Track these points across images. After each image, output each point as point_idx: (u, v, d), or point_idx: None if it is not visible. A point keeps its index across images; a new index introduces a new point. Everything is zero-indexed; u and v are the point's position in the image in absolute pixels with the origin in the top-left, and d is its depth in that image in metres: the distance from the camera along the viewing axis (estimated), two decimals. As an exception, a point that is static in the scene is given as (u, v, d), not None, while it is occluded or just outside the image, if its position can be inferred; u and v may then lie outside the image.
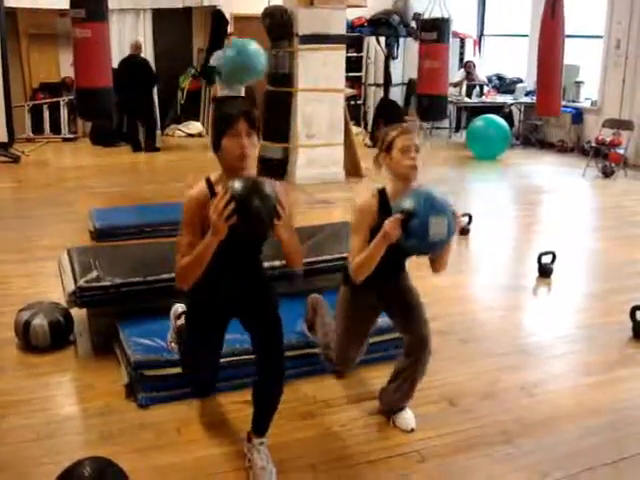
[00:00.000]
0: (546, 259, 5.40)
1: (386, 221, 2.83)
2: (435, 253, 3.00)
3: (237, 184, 2.51)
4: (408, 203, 2.82)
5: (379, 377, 3.59)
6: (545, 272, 5.37)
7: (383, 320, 3.81)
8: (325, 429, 3.25)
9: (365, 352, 3.52)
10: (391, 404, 3.31)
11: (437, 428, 3.27)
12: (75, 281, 3.81)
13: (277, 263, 3.97)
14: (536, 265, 5.42)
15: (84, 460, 2.52)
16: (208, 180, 2.74)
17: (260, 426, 2.92)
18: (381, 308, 3.36)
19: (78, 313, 4.07)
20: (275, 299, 3.00)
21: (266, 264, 3.92)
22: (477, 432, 3.26)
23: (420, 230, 2.78)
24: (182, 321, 3.44)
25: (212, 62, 9.12)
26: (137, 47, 10.80)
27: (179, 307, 3.54)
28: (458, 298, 4.96)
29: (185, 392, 3.42)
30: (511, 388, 3.67)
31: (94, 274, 3.81)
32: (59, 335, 3.97)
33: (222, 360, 3.47)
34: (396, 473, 2.95)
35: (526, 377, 3.80)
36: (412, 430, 3.23)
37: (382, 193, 3.05)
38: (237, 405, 3.37)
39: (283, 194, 2.68)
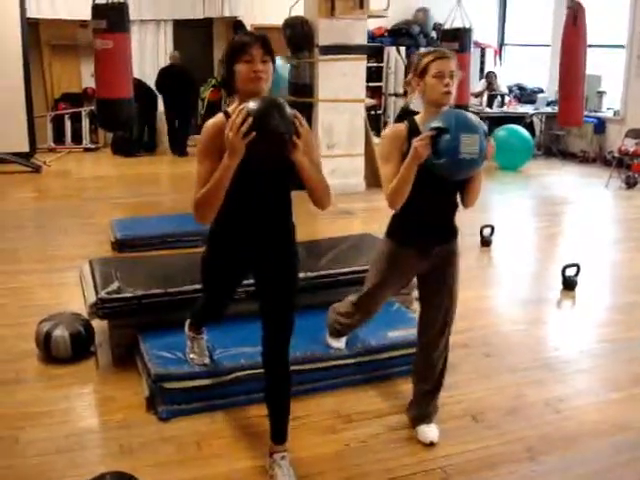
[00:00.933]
0: (570, 271, 5.33)
1: (415, 139, 2.75)
2: (466, 174, 2.86)
3: (253, 101, 2.44)
4: (438, 121, 2.74)
5: (406, 391, 3.55)
6: (569, 285, 5.30)
7: (408, 333, 3.80)
8: (346, 445, 3.21)
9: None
10: (418, 413, 3.28)
11: (461, 444, 3.22)
12: (96, 292, 3.81)
13: (302, 275, 3.94)
14: (560, 277, 5.36)
15: (106, 474, 2.51)
16: (225, 112, 2.64)
17: (277, 432, 2.89)
18: (418, 272, 3.17)
19: (99, 324, 4.07)
20: (297, 269, 2.90)
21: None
22: (501, 449, 3.20)
23: (451, 147, 2.69)
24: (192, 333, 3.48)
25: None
26: (175, 57, 11.26)
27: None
28: (481, 311, 4.90)
29: (206, 405, 3.40)
30: (535, 403, 3.61)
31: (115, 285, 3.81)
32: (80, 346, 3.96)
33: (244, 374, 3.46)
34: (419, 491, 2.91)
35: (551, 392, 3.74)
36: (432, 444, 3.19)
37: (411, 120, 2.94)
38: (259, 419, 3.32)
39: (301, 118, 2.58)
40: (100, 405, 3.58)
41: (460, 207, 3.08)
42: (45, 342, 3.92)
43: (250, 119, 2.39)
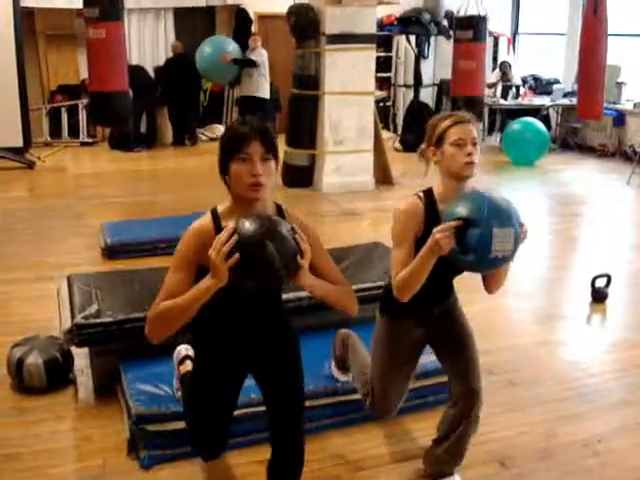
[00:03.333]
0: (600, 282, 4.88)
1: (435, 229, 2.29)
2: (495, 270, 2.44)
3: (247, 223, 1.97)
4: (464, 208, 2.27)
5: (419, 430, 3.15)
6: (600, 297, 4.84)
7: (423, 362, 3.36)
8: (357, 499, 2.78)
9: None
10: (438, 468, 2.83)
11: (489, 499, 2.79)
12: (73, 316, 3.37)
13: (303, 294, 3.52)
14: (587, 289, 4.90)
15: None
16: (214, 212, 2.20)
17: None
18: (425, 342, 2.79)
19: (76, 351, 3.64)
20: (298, 349, 2.46)
21: (291, 295, 3.49)
22: (536, 504, 2.77)
23: (480, 244, 2.22)
24: (186, 367, 3.00)
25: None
26: (177, 47, 10.99)
27: (182, 349, 3.10)
28: (501, 328, 4.45)
29: (190, 451, 2.96)
30: (571, 445, 3.17)
31: (94, 308, 3.38)
32: (56, 375, 3.53)
33: (237, 412, 3.02)
34: None
35: (587, 430, 3.29)
36: (459, 500, 2.76)
37: (429, 195, 2.51)
38: (255, 466, 2.89)
39: (307, 233, 2.12)
40: (77, 447, 3.14)
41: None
42: (17, 370, 3.49)
43: (238, 252, 1.94)
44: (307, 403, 3.05)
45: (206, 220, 2.18)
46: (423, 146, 2.59)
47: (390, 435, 3.20)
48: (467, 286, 2.83)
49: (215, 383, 2.45)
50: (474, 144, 2.44)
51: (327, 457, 3.02)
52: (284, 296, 2.53)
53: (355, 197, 7.66)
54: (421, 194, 2.53)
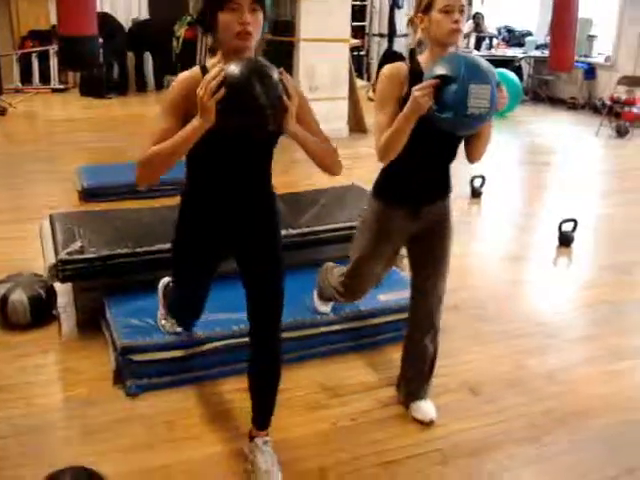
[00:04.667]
0: (567, 227, 5.04)
1: (415, 87, 2.36)
2: (473, 130, 2.49)
3: (235, 64, 2.01)
4: (443, 67, 2.34)
5: (395, 360, 3.26)
6: (566, 241, 5.01)
7: (399, 296, 3.50)
8: (334, 423, 2.91)
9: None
10: (410, 392, 2.98)
11: (459, 421, 2.94)
12: (56, 252, 3.44)
13: (292, 232, 3.71)
14: (554, 233, 5.07)
15: (67, 469, 2.18)
16: (203, 67, 2.22)
17: (260, 416, 2.58)
18: (408, 237, 2.83)
19: (62, 286, 3.72)
20: (280, 239, 2.52)
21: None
22: (503, 426, 2.93)
23: (457, 100, 2.29)
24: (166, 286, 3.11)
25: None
26: None
27: (167, 280, 3.19)
28: (471, 268, 4.61)
29: (179, 379, 3.09)
30: (536, 375, 3.34)
31: (77, 245, 3.43)
32: (40, 311, 3.61)
33: (220, 344, 3.15)
34: (415, 478, 2.61)
35: (552, 362, 3.47)
36: (431, 422, 2.91)
37: (414, 60, 2.55)
38: (237, 394, 3.02)
39: (291, 82, 2.17)
40: (62, 378, 3.23)
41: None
42: (1, 307, 3.56)
43: (225, 87, 1.98)
44: (290, 334, 3.22)
45: (194, 70, 2.22)
46: (412, 14, 2.61)
47: (367, 365, 3.34)
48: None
49: (195, 252, 2.52)
50: (461, 12, 2.47)
51: (306, 385, 3.15)
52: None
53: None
54: (407, 60, 2.57)
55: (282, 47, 7.91)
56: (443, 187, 2.77)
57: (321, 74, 7.91)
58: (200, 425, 2.87)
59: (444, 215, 2.80)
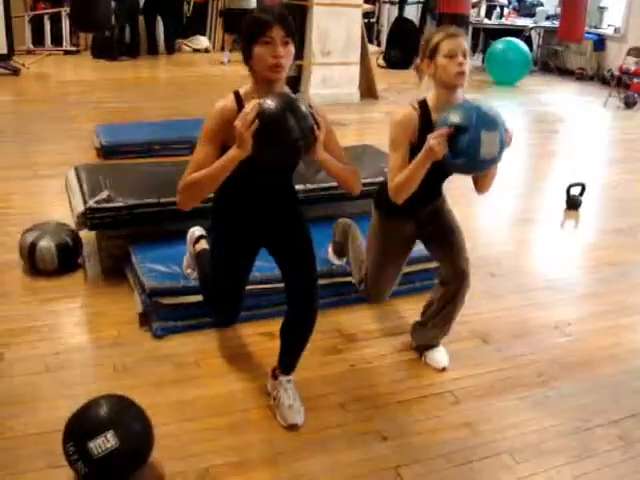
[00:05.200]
0: (574, 191, 5.15)
1: (430, 135, 2.52)
2: (483, 172, 2.69)
3: (270, 100, 2.21)
4: (456, 116, 2.50)
5: (407, 310, 3.44)
6: (573, 204, 5.13)
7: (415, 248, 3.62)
8: (352, 365, 3.06)
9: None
10: (425, 341, 3.12)
11: (470, 367, 3.09)
12: (84, 201, 3.56)
13: (310, 186, 3.82)
14: (562, 197, 5.18)
15: (100, 398, 2.31)
16: (237, 93, 2.42)
17: (288, 363, 2.73)
18: (417, 236, 3.05)
19: (86, 235, 3.85)
20: (307, 225, 2.71)
21: (299, 186, 3.70)
22: (512, 373, 3.07)
23: (470, 147, 2.46)
24: (202, 245, 3.22)
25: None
26: None
27: (196, 230, 3.32)
28: (483, 230, 4.74)
29: (203, 322, 3.23)
30: (544, 326, 3.48)
31: (105, 194, 3.56)
32: (67, 258, 3.74)
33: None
34: (429, 414, 2.76)
35: (559, 315, 3.61)
36: (444, 369, 3.05)
37: (423, 105, 2.72)
38: (259, 337, 3.18)
39: (320, 114, 2.37)
40: (90, 321, 3.38)
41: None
42: (29, 253, 3.69)
43: (260, 122, 2.17)
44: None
45: (229, 100, 2.40)
46: (418, 60, 2.77)
47: (381, 314, 3.48)
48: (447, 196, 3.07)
49: (232, 254, 2.70)
50: (464, 55, 2.63)
51: (323, 331, 3.27)
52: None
53: (341, 109, 7.80)
54: (415, 104, 2.73)
55: (296, 11, 7.94)
56: (437, 194, 2.99)
57: (334, 39, 7.97)
58: (224, 365, 3.02)
59: (441, 203, 3.00)
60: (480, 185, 2.84)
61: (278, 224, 2.66)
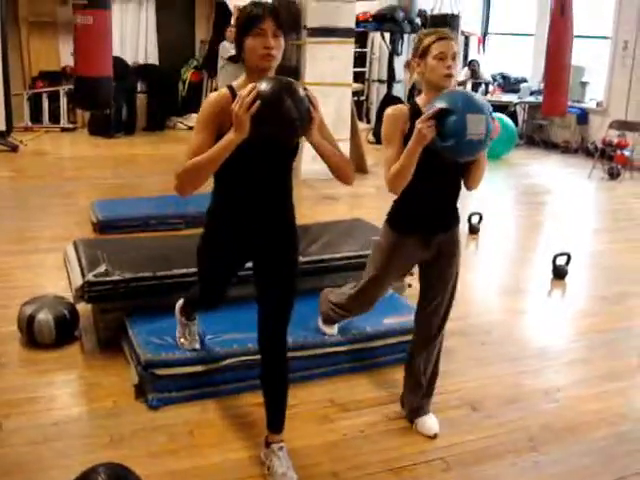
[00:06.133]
0: (561, 260, 5.28)
1: (418, 120, 2.62)
2: (473, 156, 2.74)
3: (265, 82, 2.30)
4: (442, 101, 2.61)
5: (397, 380, 3.48)
6: (560, 274, 5.24)
7: (402, 320, 3.72)
8: (344, 434, 3.11)
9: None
10: (412, 405, 3.18)
11: (461, 434, 3.14)
12: (83, 275, 3.66)
13: (306, 259, 3.94)
14: (549, 266, 5.30)
15: (98, 466, 2.37)
16: (230, 86, 2.51)
17: (274, 419, 2.78)
18: (417, 262, 3.08)
19: (83, 308, 3.93)
20: (297, 250, 2.78)
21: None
22: (502, 439, 3.13)
23: (457, 128, 2.56)
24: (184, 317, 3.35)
25: (221, 53, 8.92)
26: None
27: (183, 301, 3.40)
28: (474, 299, 4.83)
29: (198, 393, 3.29)
30: (534, 393, 3.55)
31: (103, 268, 3.66)
32: (64, 330, 3.81)
33: (235, 360, 3.35)
34: (421, 482, 2.82)
35: (548, 382, 3.68)
36: (435, 436, 3.10)
37: (413, 102, 2.84)
38: (253, 407, 3.22)
39: (315, 98, 2.47)
40: (87, 392, 3.43)
41: (463, 191, 2.98)
42: (28, 326, 3.76)
43: (259, 101, 2.26)
44: (299, 353, 3.43)
45: (223, 90, 2.50)
46: (409, 58, 2.90)
47: (372, 383, 3.55)
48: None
49: (218, 258, 2.79)
50: (454, 58, 2.74)
51: (316, 400, 3.35)
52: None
53: (332, 184, 7.87)
54: (406, 103, 2.86)
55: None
56: (451, 217, 3.02)
57: (325, 117, 8.20)
58: (219, 434, 3.07)
59: (453, 244, 3.04)
60: (469, 179, 2.90)
61: (270, 235, 2.68)
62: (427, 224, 2.94)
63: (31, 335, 3.77)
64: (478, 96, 2.72)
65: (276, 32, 2.44)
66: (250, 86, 2.31)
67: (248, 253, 2.76)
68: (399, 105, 2.88)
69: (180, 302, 3.40)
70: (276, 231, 2.70)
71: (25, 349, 3.78)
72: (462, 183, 2.95)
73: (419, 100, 2.84)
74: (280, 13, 2.48)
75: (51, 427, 3.06)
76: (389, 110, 2.85)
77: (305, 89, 2.43)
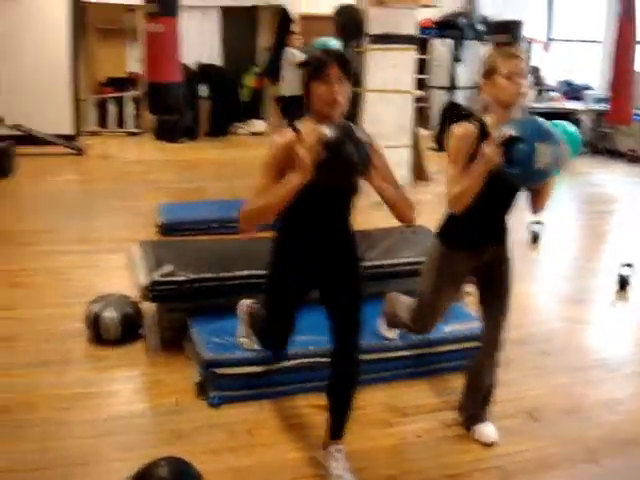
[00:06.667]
0: (625, 271, 5.18)
1: (485, 143, 2.64)
2: (540, 184, 2.76)
3: (329, 128, 2.39)
4: (511, 128, 2.62)
5: (456, 387, 3.46)
6: (623, 284, 5.14)
7: (463, 328, 3.72)
8: (402, 439, 3.13)
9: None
10: (470, 412, 3.18)
11: (519, 443, 3.12)
12: (149, 275, 3.75)
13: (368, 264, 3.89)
14: (612, 276, 5.20)
15: (160, 460, 2.44)
16: (294, 127, 2.57)
17: (334, 427, 2.82)
18: (471, 274, 3.08)
19: (147, 307, 4.03)
20: (361, 275, 2.83)
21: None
22: (560, 449, 3.10)
23: (526, 157, 2.57)
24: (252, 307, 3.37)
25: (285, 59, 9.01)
26: None
27: (245, 302, 3.46)
28: (535, 307, 4.79)
29: (257, 393, 3.35)
30: (594, 404, 3.50)
31: (169, 268, 3.75)
32: (129, 329, 3.93)
33: (295, 362, 3.39)
34: (478, 489, 2.81)
35: (609, 394, 3.62)
36: (493, 444, 3.09)
37: (482, 123, 2.82)
38: (311, 409, 3.27)
39: (376, 143, 2.57)
40: (149, 388, 3.54)
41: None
42: (94, 323, 3.89)
43: (323, 147, 2.37)
44: (360, 357, 3.44)
45: (288, 132, 2.56)
46: (477, 77, 2.91)
47: (432, 389, 3.55)
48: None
49: (286, 290, 2.83)
50: (523, 76, 2.73)
51: (376, 404, 3.37)
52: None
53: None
54: (474, 122, 2.83)
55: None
56: (502, 232, 3.02)
57: (386, 123, 8.21)
58: (277, 434, 3.12)
59: (504, 255, 3.04)
60: (536, 203, 2.90)
61: (333, 265, 2.76)
62: (478, 240, 2.95)
63: (97, 332, 3.89)
64: (547, 123, 2.70)
65: (342, 78, 2.49)
66: (316, 132, 2.39)
67: (313, 281, 2.82)
68: (467, 124, 2.83)
69: (242, 302, 3.45)
70: (339, 259, 2.77)
71: (90, 346, 3.90)
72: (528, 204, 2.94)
73: (488, 119, 2.83)
74: (346, 60, 2.54)
75: (114, 421, 3.16)
76: (458, 129, 2.83)
77: (365, 134, 2.52)
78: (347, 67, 2.51)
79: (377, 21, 8.06)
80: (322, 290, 2.82)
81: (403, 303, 3.43)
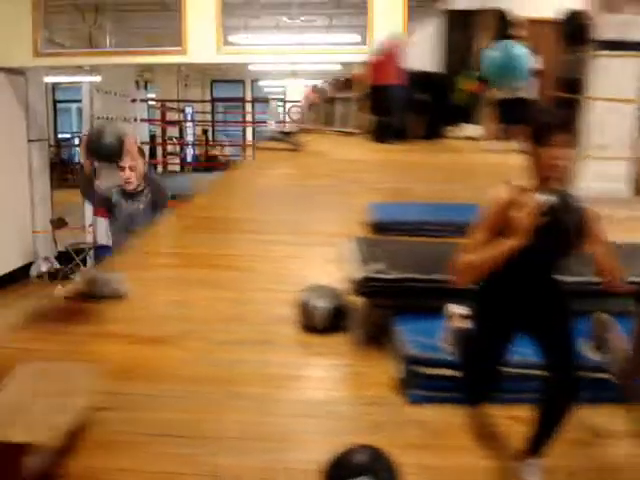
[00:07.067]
0: None
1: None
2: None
3: (551, 194, 2.47)
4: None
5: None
6: None
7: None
8: (599, 461, 3.04)
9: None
10: None
11: None
12: (361, 270, 3.93)
13: (569, 279, 3.80)
14: None
15: (361, 446, 2.58)
16: (513, 186, 2.66)
17: (536, 445, 2.80)
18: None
19: (355, 301, 4.20)
20: (568, 311, 2.83)
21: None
22: None
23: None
24: (461, 323, 3.42)
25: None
26: None
27: (455, 307, 3.52)
28: None
29: (455, 396, 3.38)
30: None
31: (381, 265, 3.90)
32: (336, 320, 4.13)
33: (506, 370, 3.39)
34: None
35: None
36: None
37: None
38: (508, 420, 3.24)
39: (592, 211, 2.58)
40: (351, 379, 3.71)
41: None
42: (305, 310, 4.13)
43: (544, 213, 2.44)
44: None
45: (508, 191, 2.63)
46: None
47: (635, 416, 3.39)
48: None
49: (493, 338, 2.91)
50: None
51: (574, 424, 3.26)
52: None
53: (611, 204, 7.61)
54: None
55: (571, 104, 8.00)
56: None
57: (608, 133, 7.87)
58: (469, 439, 3.14)
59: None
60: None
61: (540, 314, 2.79)
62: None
63: (306, 319, 4.13)
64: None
65: (566, 143, 2.52)
66: (538, 198, 2.46)
67: (519, 325, 2.87)
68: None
69: (451, 306, 3.54)
70: (546, 304, 2.79)
71: (297, 331, 4.14)
72: None
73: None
74: (571, 123, 2.58)
75: (314, 405, 3.36)
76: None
77: (581, 201, 2.55)
78: (572, 132, 2.56)
79: (605, 26, 7.75)
80: (532, 335, 2.86)
81: (616, 343, 3.35)
